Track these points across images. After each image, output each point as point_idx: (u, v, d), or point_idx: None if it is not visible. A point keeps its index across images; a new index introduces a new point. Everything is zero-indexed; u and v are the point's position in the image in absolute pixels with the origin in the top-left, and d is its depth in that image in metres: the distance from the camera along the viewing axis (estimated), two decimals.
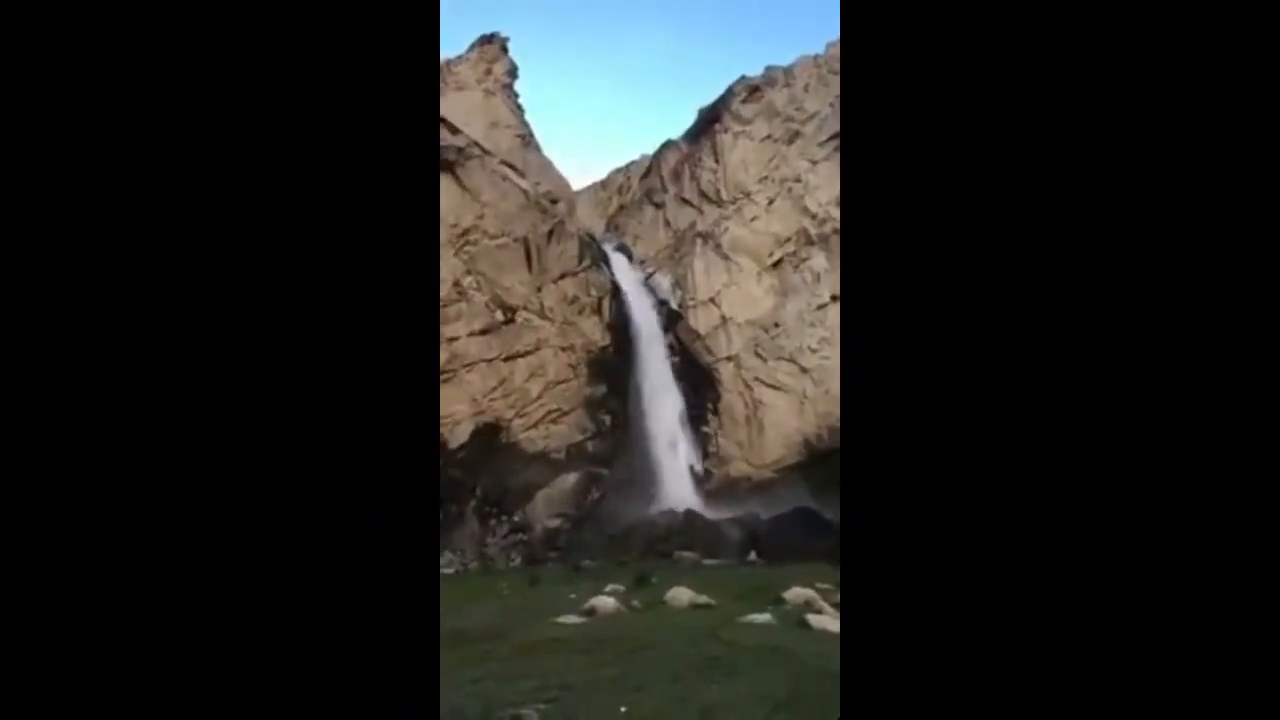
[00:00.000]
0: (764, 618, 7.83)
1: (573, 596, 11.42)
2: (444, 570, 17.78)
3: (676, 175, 32.17)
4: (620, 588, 11.96)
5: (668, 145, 33.93)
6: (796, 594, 9.34)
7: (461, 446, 23.55)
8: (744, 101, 30.53)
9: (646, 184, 34.85)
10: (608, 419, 26.24)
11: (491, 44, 29.20)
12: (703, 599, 9.80)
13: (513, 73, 29.73)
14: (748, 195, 29.49)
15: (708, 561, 17.58)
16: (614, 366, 27.39)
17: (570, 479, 23.04)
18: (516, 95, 30.31)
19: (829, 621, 7.46)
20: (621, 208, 37.68)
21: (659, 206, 32.71)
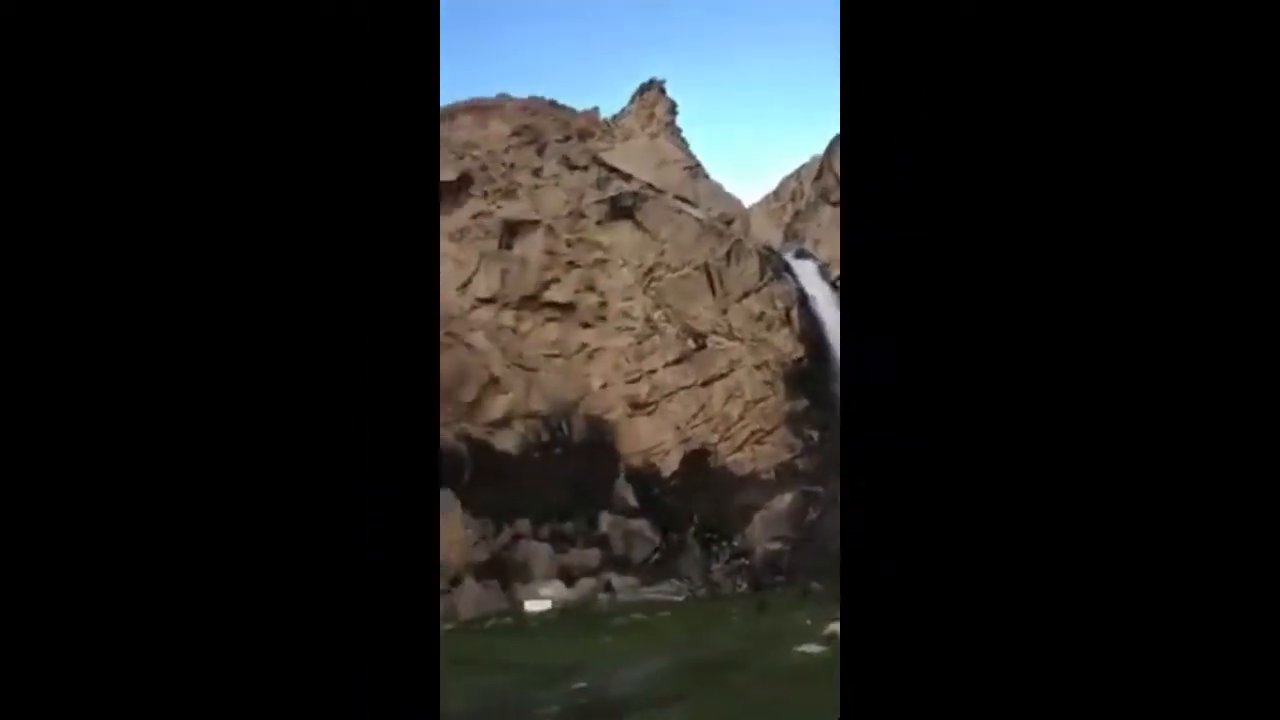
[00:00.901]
0: None
1: (808, 622, 11.05)
2: (674, 598, 18.37)
3: None
4: None
5: (836, 140, 32.44)
6: None
7: (673, 474, 24.37)
8: None
9: (820, 184, 33.55)
10: (814, 434, 25.28)
11: (651, 90, 30.77)
12: None
13: (673, 110, 30.91)
14: None
15: None
16: (813, 376, 26.42)
17: (785, 499, 22.52)
18: (679, 130, 31.40)
19: None
20: (797, 214, 36.67)
21: (836, 205, 31.24)
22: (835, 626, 9.61)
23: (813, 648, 8.83)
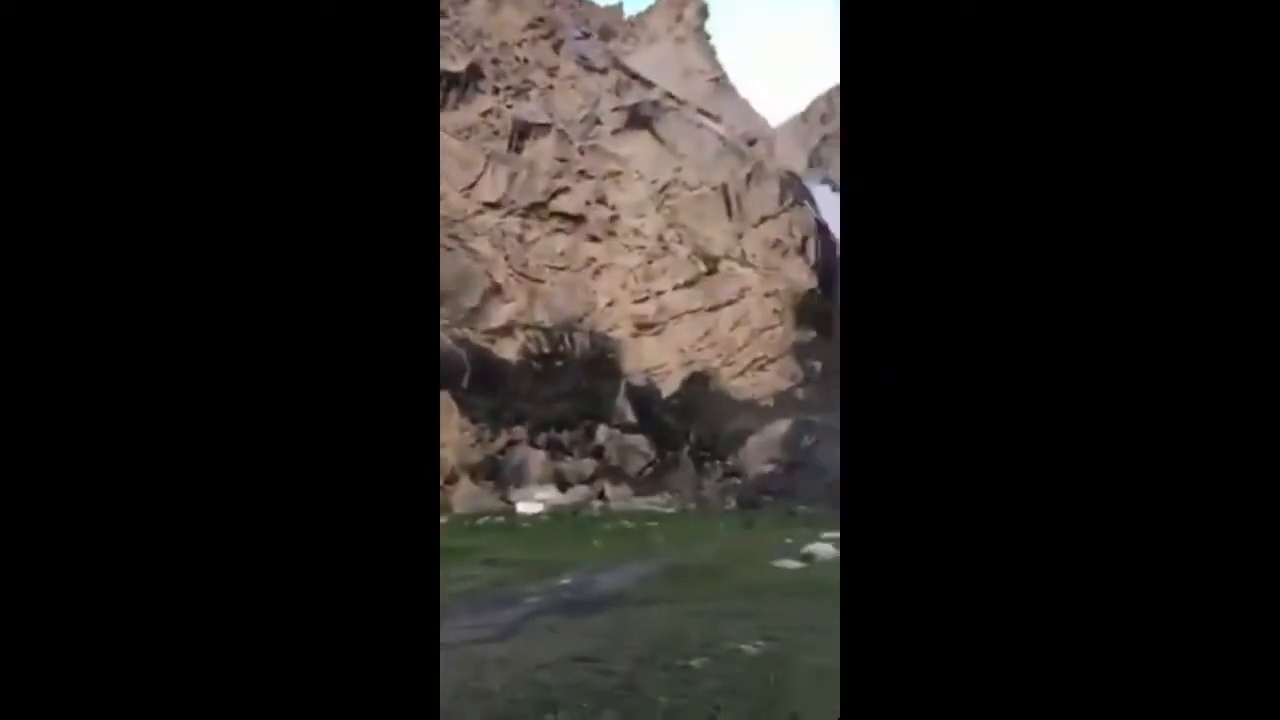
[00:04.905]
0: None
1: (789, 541, 11.39)
2: (664, 510, 18.95)
3: None
4: (837, 535, 11.60)
5: None
6: None
7: (674, 395, 24.57)
8: None
9: None
10: (818, 365, 25.24)
11: None
12: None
13: (703, 12, 28.94)
14: None
15: None
16: (823, 309, 26.10)
17: (781, 426, 22.78)
18: (708, 36, 29.54)
19: None
20: (824, 138, 35.10)
21: None
22: (814, 546, 9.86)
23: (789, 563, 9.09)
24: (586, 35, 26.83)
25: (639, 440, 22.42)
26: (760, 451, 22.22)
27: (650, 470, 21.84)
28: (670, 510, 18.94)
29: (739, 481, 21.38)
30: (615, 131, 26.58)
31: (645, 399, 23.94)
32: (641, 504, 19.40)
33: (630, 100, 26.72)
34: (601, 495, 20.05)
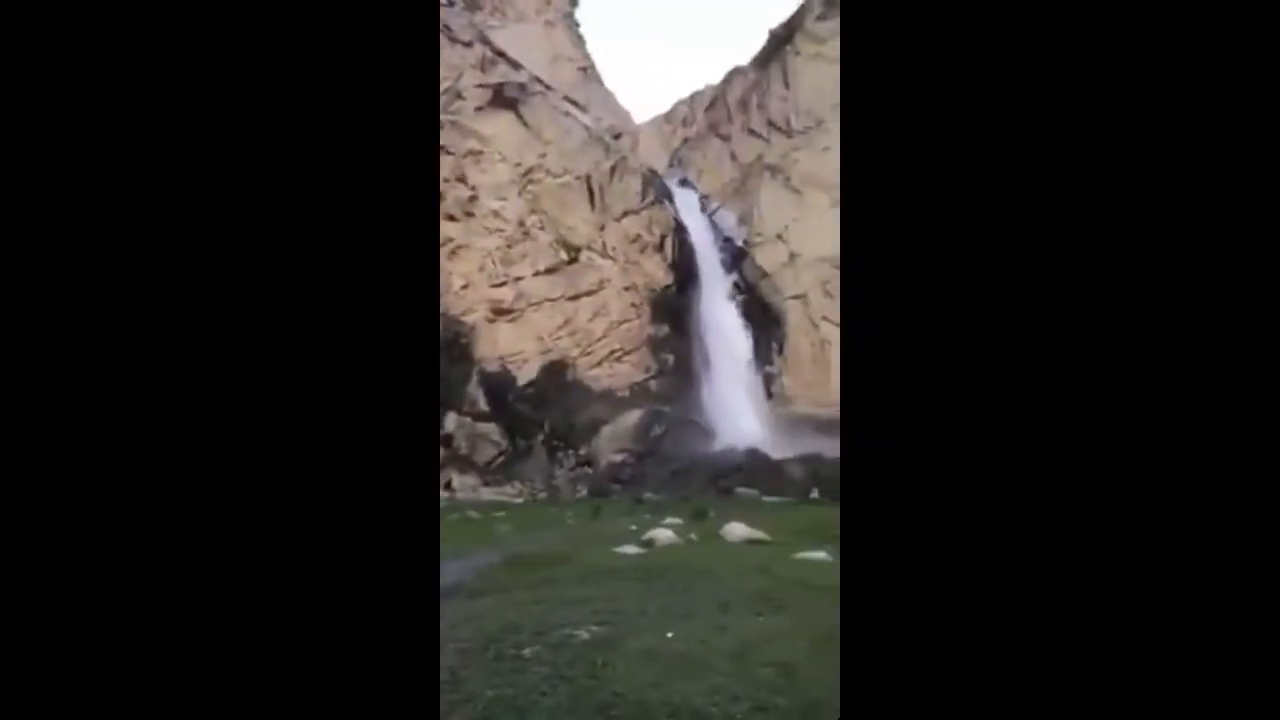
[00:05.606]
0: (819, 555, 7.83)
1: (633, 528, 11.80)
2: (514, 500, 18.74)
3: (744, 104, 30.65)
4: (678, 521, 12.25)
5: (735, 72, 32.24)
6: None
7: (530, 383, 24.33)
8: (819, 18, 28.34)
9: (711, 115, 33.45)
10: (670, 358, 26.31)
11: None
12: (759, 534, 9.91)
13: (573, 0, 28.68)
14: (820, 123, 27.79)
15: (768, 499, 17.69)
16: (677, 306, 27.21)
17: (633, 416, 23.46)
18: (577, 25, 29.35)
19: None
20: (685, 141, 36.45)
21: (725, 138, 31.43)
22: (654, 532, 10.35)
23: (629, 549, 9.45)
24: (451, 3, 25.45)
25: (490, 429, 21.94)
26: (612, 441, 22.73)
27: (501, 459, 21.48)
28: (519, 500, 18.77)
29: (590, 470, 21.71)
30: (478, 109, 25.56)
31: (499, 386, 23.44)
32: (489, 494, 19.04)
33: (495, 79, 25.84)
34: (448, 485, 19.38)
